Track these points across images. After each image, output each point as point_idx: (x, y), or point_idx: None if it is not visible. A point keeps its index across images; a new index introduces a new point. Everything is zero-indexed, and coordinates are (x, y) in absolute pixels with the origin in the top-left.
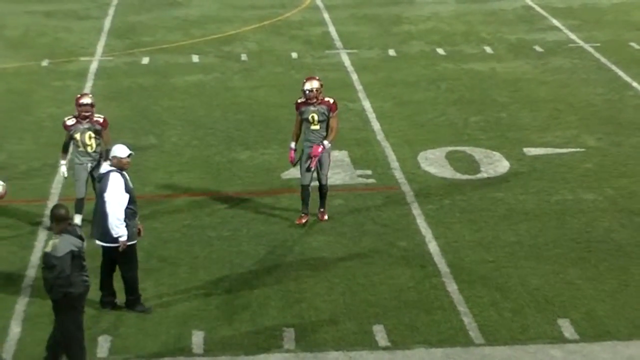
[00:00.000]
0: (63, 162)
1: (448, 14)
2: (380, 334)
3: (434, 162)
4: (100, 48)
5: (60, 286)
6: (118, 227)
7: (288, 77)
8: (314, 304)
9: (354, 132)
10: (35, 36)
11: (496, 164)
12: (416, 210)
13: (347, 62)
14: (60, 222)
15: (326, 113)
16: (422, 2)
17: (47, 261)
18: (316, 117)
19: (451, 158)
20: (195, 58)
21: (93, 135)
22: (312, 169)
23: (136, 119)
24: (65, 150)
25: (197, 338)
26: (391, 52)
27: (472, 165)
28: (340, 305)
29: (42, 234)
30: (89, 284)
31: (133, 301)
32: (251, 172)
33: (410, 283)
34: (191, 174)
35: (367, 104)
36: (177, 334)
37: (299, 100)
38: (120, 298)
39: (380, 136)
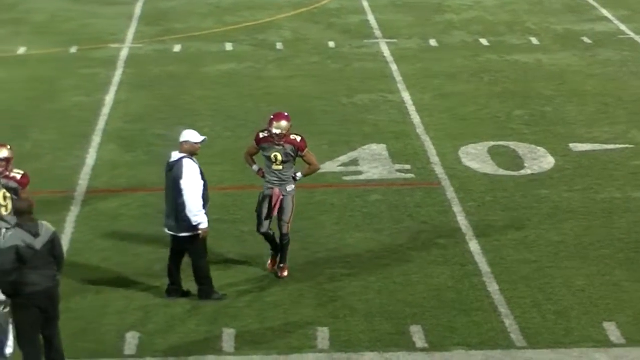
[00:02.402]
0: None
1: (492, 3)
2: (417, 335)
3: (476, 157)
4: (130, 35)
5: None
6: (197, 215)
7: (324, 67)
8: (348, 303)
9: (393, 125)
10: (63, 22)
11: (540, 160)
12: (456, 207)
13: (386, 52)
14: (18, 215)
15: (292, 154)
16: None
17: None
18: (280, 158)
19: (494, 153)
20: (228, 46)
21: (8, 195)
22: (272, 216)
23: (166, 109)
24: None
25: (228, 336)
26: (432, 42)
27: (515, 161)
28: (376, 305)
29: (68, 227)
30: (52, 285)
31: (206, 290)
32: None
33: (450, 283)
34: (222, 166)
35: (406, 96)
36: (206, 331)
37: (262, 135)
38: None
39: (420, 129)
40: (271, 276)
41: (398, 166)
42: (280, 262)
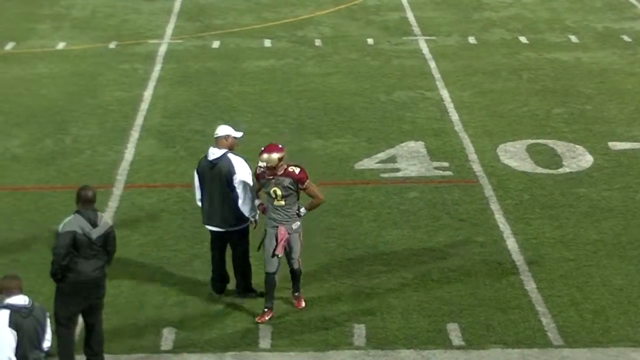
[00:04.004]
0: None
1: (532, 1)
2: (454, 332)
3: (514, 155)
4: (169, 30)
5: (53, 263)
6: (251, 207)
7: (363, 64)
8: (386, 300)
9: (431, 122)
10: (103, 17)
11: (579, 158)
12: (494, 205)
13: (425, 49)
14: (81, 202)
15: (291, 187)
16: None
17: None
18: (279, 192)
19: (532, 151)
20: (267, 42)
21: None
22: (280, 255)
23: (205, 105)
24: None
25: (264, 332)
26: (471, 40)
27: (554, 159)
28: (414, 302)
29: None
30: (98, 275)
31: (245, 285)
32: (323, 162)
33: (487, 280)
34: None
35: (445, 93)
36: (243, 327)
37: (258, 170)
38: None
39: (458, 127)
40: (309, 272)
41: (436, 163)
42: (294, 292)
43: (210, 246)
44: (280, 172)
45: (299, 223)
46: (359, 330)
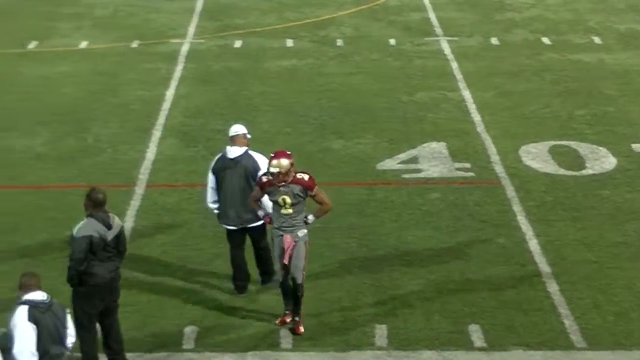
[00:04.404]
0: None
1: (554, 2)
2: (476, 334)
3: (537, 157)
4: (191, 30)
5: (70, 268)
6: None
7: (385, 65)
8: (407, 301)
9: (453, 123)
10: (125, 16)
11: (602, 160)
12: (516, 207)
13: (447, 49)
14: (93, 205)
15: (301, 194)
16: None
17: (69, 241)
18: (288, 200)
19: (555, 152)
20: (289, 42)
21: None
22: (286, 264)
23: (227, 104)
24: None
25: (285, 332)
26: (493, 40)
27: (576, 160)
28: (435, 303)
29: (128, 220)
30: (113, 277)
31: (269, 275)
32: (344, 162)
33: (509, 282)
34: None
35: (467, 94)
36: (265, 327)
37: (264, 178)
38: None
39: (480, 128)
40: (330, 272)
41: (458, 164)
42: (295, 316)
43: (229, 245)
44: (290, 179)
45: (305, 231)
46: (381, 331)
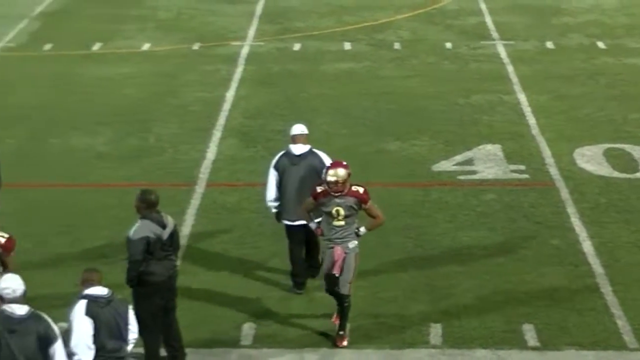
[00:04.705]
0: None
1: (610, 6)
2: (529, 333)
3: (591, 159)
4: (251, 32)
5: (129, 270)
6: None
7: (441, 68)
8: (462, 301)
9: (508, 126)
10: (187, 19)
11: None
12: (570, 208)
13: (502, 53)
14: (146, 207)
15: (355, 206)
16: None
17: (126, 244)
18: (342, 212)
19: (609, 155)
20: (347, 45)
21: None
22: (337, 275)
23: (285, 106)
24: None
25: None
26: (549, 44)
27: (630, 163)
28: (489, 303)
29: (189, 219)
30: (172, 275)
31: (316, 269)
32: (400, 163)
33: (563, 283)
34: None
35: (522, 97)
36: (321, 324)
37: (319, 189)
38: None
39: (535, 130)
40: (385, 271)
41: (513, 166)
42: (339, 330)
43: (289, 242)
44: (346, 190)
45: (356, 242)
46: (435, 330)
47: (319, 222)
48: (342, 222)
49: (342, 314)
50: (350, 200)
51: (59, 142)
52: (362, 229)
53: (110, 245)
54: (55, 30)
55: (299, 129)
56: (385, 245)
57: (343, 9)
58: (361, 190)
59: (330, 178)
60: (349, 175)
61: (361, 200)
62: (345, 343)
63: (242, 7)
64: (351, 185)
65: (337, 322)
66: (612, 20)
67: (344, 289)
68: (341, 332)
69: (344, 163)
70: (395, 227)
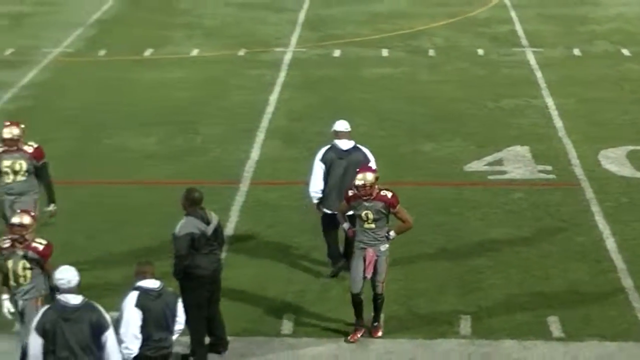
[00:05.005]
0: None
1: (634, 15)
2: (554, 324)
3: (615, 161)
4: (294, 39)
5: (175, 265)
6: None
7: (472, 73)
8: (490, 294)
9: (536, 128)
10: (232, 26)
11: None
12: (595, 207)
13: (532, 60)
14: (190, 204)
15: (383, 210)
16: (608, 3)
17: (172, 240)
18: (371, 216)
19: (632, 157)
20: (384, 52)
21: (27, 266)
22: (368, 277)
23: (326, 109)
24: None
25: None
26: (575, 51)
27: None
28: (516, 296)
29: (233, 215)
30: (216, 268)
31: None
32: (433, 163)
33: (586, 277)
34: (376, 163)
35: (549, 101)
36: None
37: (350, 192)
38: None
39: (561, 133)
40: (418, 265)
41: (540, 167)
42: (374, 321)
43: (324, 228)
44: (374, 194)
45: (387, 246)
46: (465, 321)
47: (351, 224)
48: (373, 225)
49: (376, 308)
50: (379, 205)
51: (112, 142)
52: (392, 233)
53: (159, 239)
54: (110, 36)
55: (343, 125)
56: (419, 241)
57: (380, 17)
58: (389, 194)
59: (358, 182)
60: (376, 179)
61: (389, 204)
62: (380, 334)
63: (285, 16)
64: (380, 190)
65: (354, 340)
66: (636, 28)
67: (377, 289)
68: (375, 324)
69: (373, 168)
70: (428, 223)
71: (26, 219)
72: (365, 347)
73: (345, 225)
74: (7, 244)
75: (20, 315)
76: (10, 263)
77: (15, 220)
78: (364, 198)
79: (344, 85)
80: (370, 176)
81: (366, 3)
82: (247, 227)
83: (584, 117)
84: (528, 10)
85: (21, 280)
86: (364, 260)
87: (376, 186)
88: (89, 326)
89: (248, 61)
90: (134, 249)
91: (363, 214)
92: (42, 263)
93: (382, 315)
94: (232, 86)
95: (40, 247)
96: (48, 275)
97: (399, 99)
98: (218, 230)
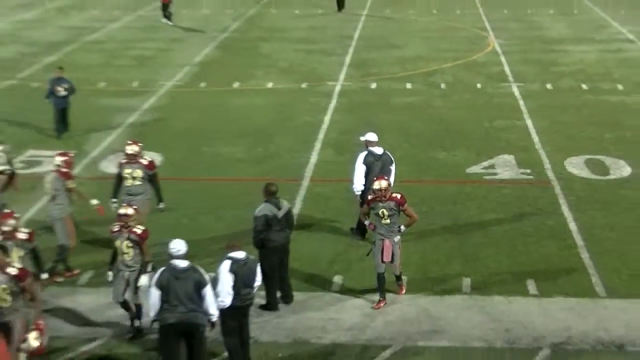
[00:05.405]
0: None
1: (591, 60)
2: (531, 285)
3: (576, 166)
4: (342, 76)
5: (254, 237)
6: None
7: (474, 101)
8: (485, 262)
9: (519, 142)
10: (298, 66)
11: (621, 169)
12: (561, 200)
13: (516, 92)
14: (267, 193)
15: (395, 208)
16: (573, 51)
17: (253, 219)
18: (386, 213)
19: (589, 163)
20: (408, 85)
21: (130, 245)
22: (387, 261)
23: (364, 126)
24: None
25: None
26: (548, 86)
27: (603, 169)
28: (504, 264)
29: (297, 204)
30: (286, 242)
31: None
32: (444, 167)
33: (555, 251)
34: (400, 167)
35: (529, 122)
36: (387, 277)
37: (369, 196)
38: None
39: (538, 145)
40: (432, 241)
41: (522, 170)
42: (397, 281)
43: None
44: (387, 196)
45: (399, 237)
46: (467, 282)
47: (371, 221)
48: (388, 221)
49: (398, 279)
50: (391, 204)
51: (210, 150)
52: (402, 227)
53: (244, 222)
54: (209, 73)
55: (374, 136)
56: (432, 224)
57: (406, 60)
58: (399, 196)
59: (375, 187)
60: (389, 185)
61: (399, 203)
62: (403, 292)
63: (336, 58)
64: (392, 193)
65: (379, 308)
66: (593, 69)
67: (396, 270)
68: (399, 282)
69: (386, 177)
70: (440, 211)
71: (130, 211)
72: (393, 301)
73: (367, 222)
74: (116, 228)
75: (133, 284)
76: (118, 242)
77: (122, 211)
78: (380, 199)
79: (378, 109)
80: (384, 183)
81: (396, 49)
82: (307, 212)
83: (555, 133)
84: (514, 56)
85: (125, 256)
86: (383, 249)
87: (389, 190)
88: (193, 283)
89: (309, 92)
90: (226, 227)
91: (380, 212)
92: (140, 243)
93: (404, 278)
94: (298, 109)
95: (139, 231)
96: (143, 253)
97: (419, 120)
98: (288, 214)
